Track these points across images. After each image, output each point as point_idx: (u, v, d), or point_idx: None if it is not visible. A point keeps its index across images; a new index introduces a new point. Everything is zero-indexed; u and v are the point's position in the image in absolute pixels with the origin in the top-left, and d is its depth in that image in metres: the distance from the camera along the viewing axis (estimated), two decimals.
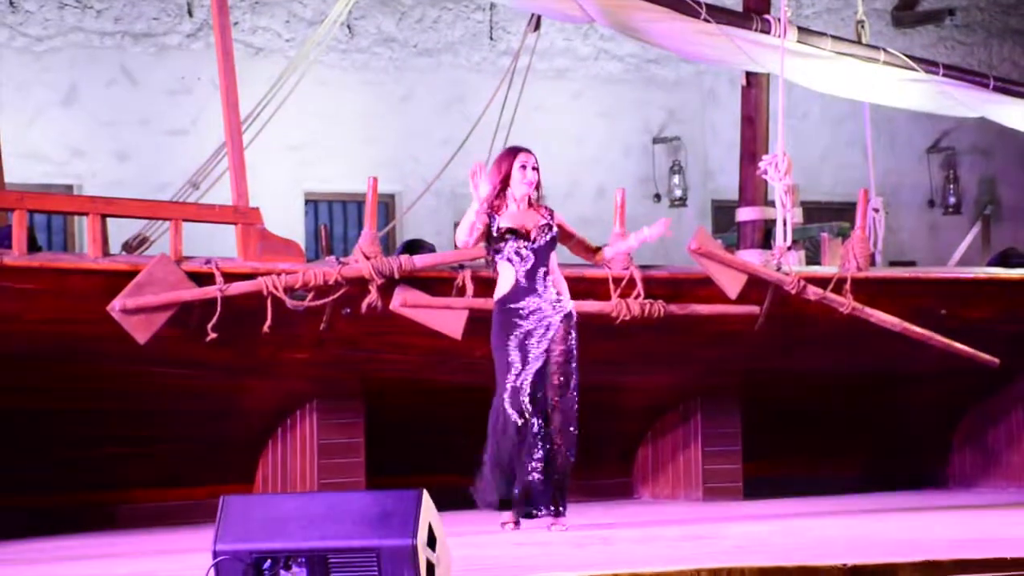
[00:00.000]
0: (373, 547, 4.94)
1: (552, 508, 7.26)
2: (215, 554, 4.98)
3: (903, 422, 10.13)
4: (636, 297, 8.47)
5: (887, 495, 9.49)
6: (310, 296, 7.98)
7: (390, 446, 8.61)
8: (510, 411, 7.21)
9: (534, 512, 7.27)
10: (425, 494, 5.06)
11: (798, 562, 5.43)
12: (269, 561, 4.97)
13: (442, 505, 5.26)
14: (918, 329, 9.03)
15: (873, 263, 9.34)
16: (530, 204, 7.41)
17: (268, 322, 7.82)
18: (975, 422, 10.31)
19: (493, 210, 7.38)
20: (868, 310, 8.93)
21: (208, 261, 7.92)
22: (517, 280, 7.31)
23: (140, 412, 8.23)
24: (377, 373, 8.49)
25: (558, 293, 7.36)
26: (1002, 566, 5.56)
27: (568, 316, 7.33)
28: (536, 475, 7.20)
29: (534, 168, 7.41)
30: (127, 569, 6.27)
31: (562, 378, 7.27)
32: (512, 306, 7.30)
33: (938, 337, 9.09)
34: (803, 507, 8.68)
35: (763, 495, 9.28)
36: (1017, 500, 9.25)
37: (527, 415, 7.20)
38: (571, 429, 7.28)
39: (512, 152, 7.48)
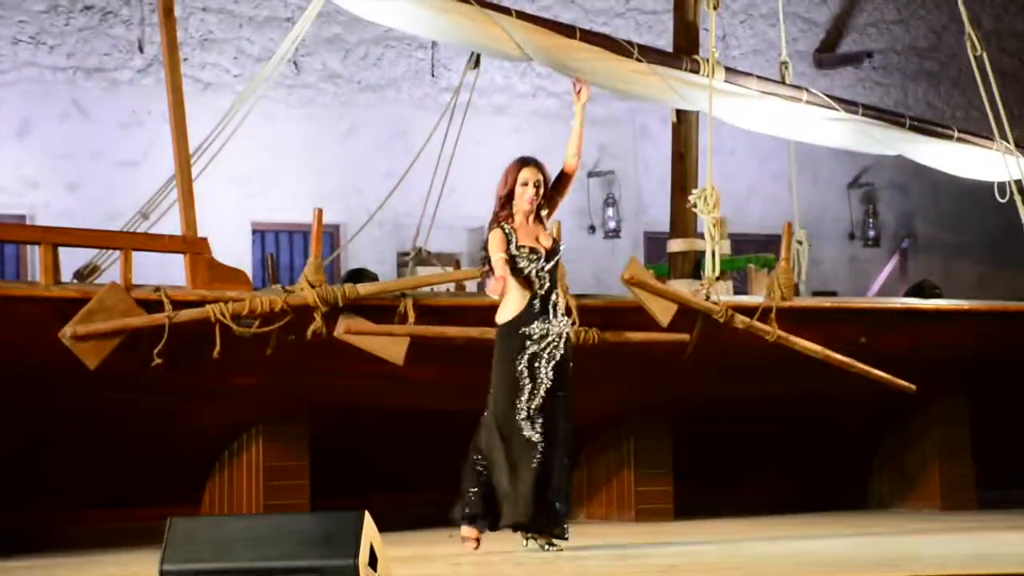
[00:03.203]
0: (316, 567, 5.03)
1: (562, 531, 7.13)
2: (162, 574, 5.07)
3: (825, 445, 10.21)
4: (572, 324, 8.55)
5: (811, 516, 9.56)
6: (257, 323, 8.03)
7: (334, 468, 8.63)
8: (527, 432, 7.07)
9: (548, 531, 7.11)
10: (367, 515, 5.16)
11: None
12: None
13: (384, 526, 5.34)
14: (839, 356, 9.13)
15: (797, 293, 9.45)
16: (536, 220, 7.27)
17: (217, 348, 7.86)
18: (893, 446, 10.38)
19: (502, 221, 7.24)
20: (792, 338, 9.03)
21: (157, 289, 7.95)
22: (531, 303, 7.18)
23: (89, 435, 8.25)
24: (322, 397, 8.53)
25: (564, 315, 7.27)
26: None
27: (568, 339, 7.26)
28: (556, 496, 7.07)
29: (536, 185, 7.23)
30: None
31: (567, 397, 7.17)
32: (524, 330, 7.16)
33: (858, 364, 9.18)
34: (731, 528, 8.75)
35: (694, 516, 9.35)
36: (931, 521, 9.36)
37: (542, 437, 7.08)
38: (567, 454, 7.19)
39: (518, 165, 7.30)
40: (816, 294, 11.48)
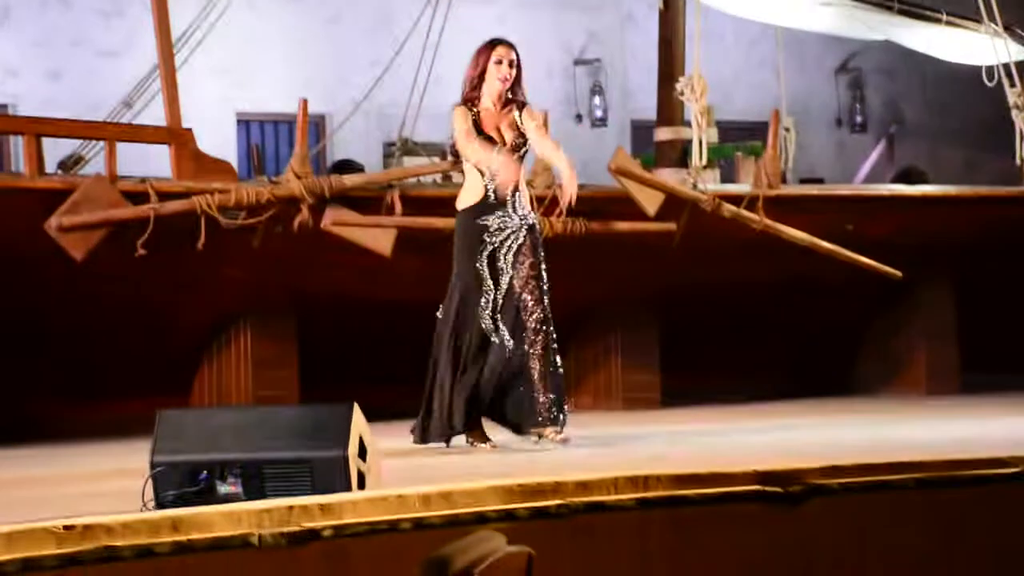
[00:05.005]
0: (306, 458, 5.06)
1: (552, 419, 6.93)
2: (152, 465, 5.09)
3: (811, 333, 10.25)
4: (558, 215, 8.56)
5: (797, 402, 9.61)
6: (243, 215, 8.02)
7: (322, 360, 8.67)
8: (490, 329, 6.87)
9: (527, 429, 6.95)
10: (356, 407, 5.18)
11: (711, 468, 5.55)
12: (205, 472, 5.07)
13: (371, 417, 5.35)
14: (826, 244, 9.17)
15: (784, 181, 9.46)
16: (505, 103, 6.96)
17: (202, 240, 7.86)
18: (879, 332, 10.41)
19: (470, 103, 6.94)
20: (779, 226, 9.06)
21: (143, 180, 7.95)
22: (486, 193, 6.91)
23: (77, 327, 8.27)
24: (309, 289, 8.55)
25: (525, 207, 6.98)
26: (901, 469, 5.76)
27: (532, 228, 6.97)
28: (529, 391, 6.87)
29: (511, 64, 6.93)
30: (69, 480, 6.33)
31: (536, 292, 6.90)
32: (479, 221, 6.90)
33: (844, 251, 9.22)
34: (717, 416, 8.81)
35: (680, 404, 9.38)
36: (917, 406, 9.42)
37: (505, 334, 6.89)
38: (553, 344, 6.94)
39: (490, 45, 6.99)
40: (803, 181, 11.51)
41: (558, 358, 7.04)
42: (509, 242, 6.94)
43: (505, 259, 6.92)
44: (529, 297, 6.91)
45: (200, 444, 5.16)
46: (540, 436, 6.98)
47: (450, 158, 7.37)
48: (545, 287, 6.97)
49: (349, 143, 11.94)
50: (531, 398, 6.91)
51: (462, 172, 7.19)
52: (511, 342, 6.91)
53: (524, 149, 7.00)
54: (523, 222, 6.95)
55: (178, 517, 4.60)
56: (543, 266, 6.98)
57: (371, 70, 10.56)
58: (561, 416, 6.98)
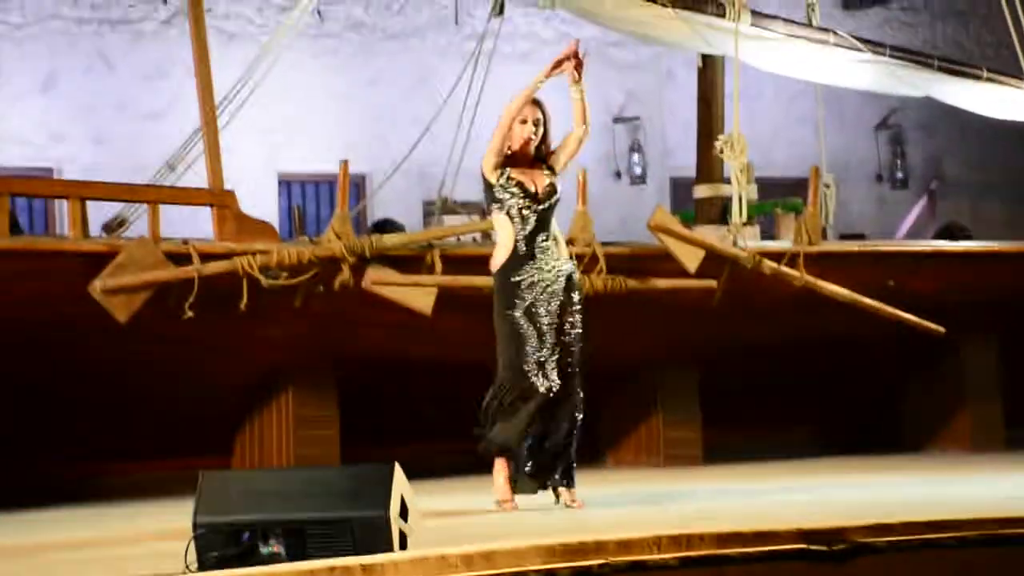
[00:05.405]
0: (348, 518, 5.05)
1: (569, 480, 6.87)
2: (195, 526, 5.07)
3: (853, 389, 10.24)
4: (599, 273, 8.60)
5: (840, 459, 9.57)
6: (284, 275, 8.07)
7: (363, 419, 8.67)
8: (539, 383, 6.72)
9: (558, 485, 6.85)
10: (397, 467, 5.18)
11: (755, 526, 5.52)
12: (248, 533, 5.05)
13: (411, 476, 5.35)
14: (867, 300, 9.17)
15: (824, 237, 9.48)
16: (535, 162, 6.84)
17: (244, 300, 7.91)
18: (922, 388, 10.37)
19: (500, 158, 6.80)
20: (820, 282, 9.07)
21: (185, 242, 8.00)
22: (516, 247, 6.77)
23: (120, 388, 8.31)
24: (350, 348, 8.57)
25: (558, 258, 6.83)
26: (947, 527, 5.69)
27: (570, 279, 6.83)
28: (570, 447, 6.81)
29: (536, 123, 6.78)
30: (113, 542, 6.32)
31: (575, 347, 6.79)
32: (514, 279, 6.77)
33: (886, 307, 9.22)
34: (759, 473, 8.77)
35: (722, 460, 9.37)
36: (961, 463, 9.36)
37: (554, 387, 6.75)
38: (580, 403, 6.84)
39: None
40: (843, 237, 11.48)
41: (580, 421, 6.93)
42: (547, 296, 6.80)
43: (547, 315, 6.79)
44: (571, 354, 6.83)
45: (243, 505, 5.16)
46: (558, 497, 6.91)
47: (486, 207, 7.15)
48: (581, 345, 6.86)
49: (389, 203, 11.99)
50: (559, 455, 6.85)
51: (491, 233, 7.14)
52: (555, 394, 6.78)
53: (556, 198, 6.86)
54: (557, 276, 6.83)
55: None
56: (581, 319, 6.86)
57: (411, 130, 10.62)
58: (572, 476, 6.91)
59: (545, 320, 6.79)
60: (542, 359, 6.77)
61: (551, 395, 6.78)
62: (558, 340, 6.80)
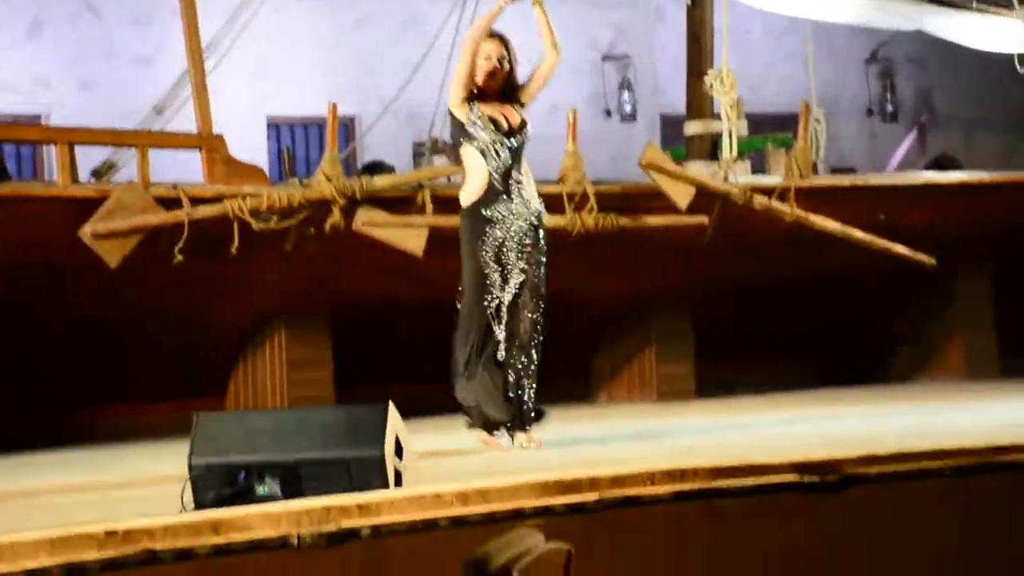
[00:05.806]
0: (343, 458, 5.08)
1: (521, 423, 6.81)
2: (191, 468, 5.11)
3: (846, 322, 10.24)
4: (590, 211, 8.60)
5: (833, 391, 9.60)
6: (275, 218, 8.06)
7: (355, 360, 8.70)
8: (498, 332, 6.67)
9: (513, 429, 6.79)
10: (391, 406, 5.20)
11: (747, 460, 5.54)
12: (243, 474, 5.08)
13: (406, 415, 5.37)
14: (859, 233, 9.17)
15: (815, 171, 9.46)
16: (503, 98, 6.75)
17: (235, 244, 7.90)
18: (915, 320, 10.39)
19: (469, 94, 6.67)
20: (811, 217, 9.07)
21: (175, 186, 7.97)
22: (491, 183, 6.66)
23: (112, 333, 8.32)
24: (342, 290, 8.58)
25: (530, 197, 6.73)
26: (941, 456, 5.74)
27: (538, 218, 6.74)
28: (527, 393, 6.75)
29: (499, 60, 6.68)
30: (108, 484, 6.36)
31: (540, 291, 6.71)
32: (485, 213, 6.67)
33: (878, 240, 9.23)
34: (752, 407, 8.80)
35: (715, 396, 9.38)
36: (956, 392, 9.38)
37: (510, 332, 6.70)
38: (539, 343, 6.74)
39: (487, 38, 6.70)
40: (834, 171, 11.48)
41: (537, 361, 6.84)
42: (518, 237, 6.70)
43: (516, 257, 6.70)
44: (533, 299, 6.72)
45: (237, 446, 5.18)
46: (513, 439, 6.83)
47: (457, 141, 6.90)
48: (545, 289, 6.76)
49: (379, 144, 11.95)
50: (529, 400, 6.79)
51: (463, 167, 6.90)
52: (504, 344, 6.72)
53: (527, 133, 6.74)
54: (528, 216, 6.73)
55: (217, 519, 4.62)
56: (545, 262, 6.77)
57: (400, 71, 10.57)
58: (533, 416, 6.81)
59: (512, 259, 6.68)
60: (503, 302, 6.68)
61: (510, 342, 6.70)
62: (522, 283, 6.70)
